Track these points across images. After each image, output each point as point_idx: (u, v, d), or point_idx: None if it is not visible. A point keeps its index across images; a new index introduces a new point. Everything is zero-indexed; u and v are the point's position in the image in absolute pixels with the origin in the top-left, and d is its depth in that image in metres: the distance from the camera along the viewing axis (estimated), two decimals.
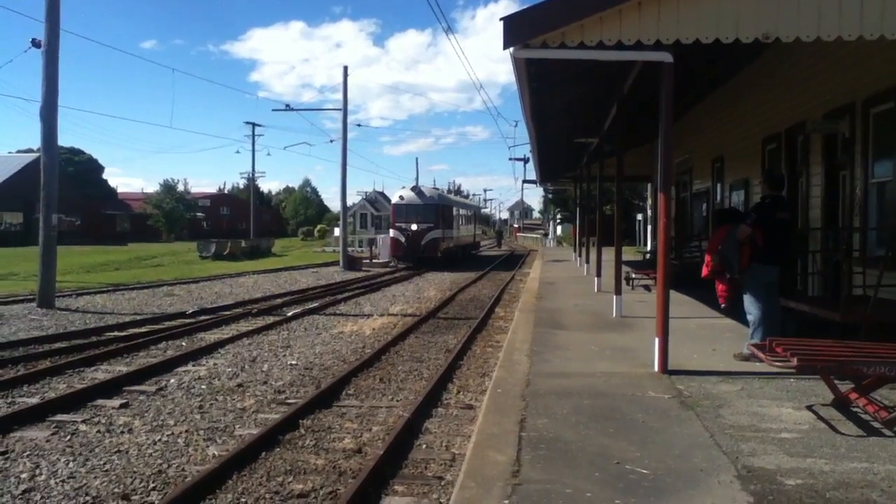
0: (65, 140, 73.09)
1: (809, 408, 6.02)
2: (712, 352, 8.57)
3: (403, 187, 36.61)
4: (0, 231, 54.92)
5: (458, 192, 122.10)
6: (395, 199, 35.93)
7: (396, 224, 34.38)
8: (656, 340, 7.46)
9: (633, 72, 10.22)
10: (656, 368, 7.42)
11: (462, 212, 43.99)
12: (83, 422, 7.36)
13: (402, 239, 33.65)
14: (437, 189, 39.09)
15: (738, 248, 7.88)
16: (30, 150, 68.91)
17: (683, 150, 20.17)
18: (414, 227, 33.49)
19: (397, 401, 8.33)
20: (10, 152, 72.96)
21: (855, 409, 5.88)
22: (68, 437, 6.87)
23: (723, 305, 8.30)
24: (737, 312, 8.64)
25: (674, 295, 8.34)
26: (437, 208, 34.56)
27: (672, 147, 7.89)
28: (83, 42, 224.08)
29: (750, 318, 7.93)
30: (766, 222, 7.88)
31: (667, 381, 7.03)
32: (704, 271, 8.17)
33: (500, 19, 7.47)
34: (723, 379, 7.07)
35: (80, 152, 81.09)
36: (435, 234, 33.77)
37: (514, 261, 40.43)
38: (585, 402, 6.24)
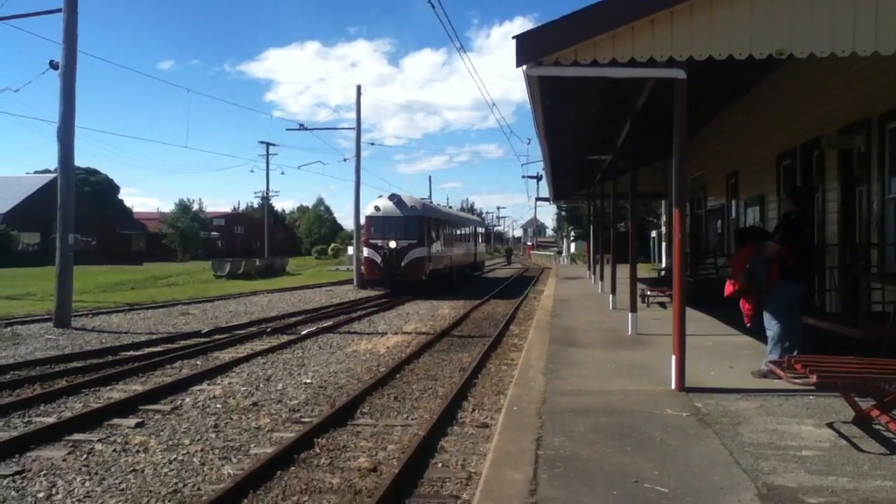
0: (81, 160, 73.61)
1: (830, 425, 5.94)
2: (730, 369, 8.49)
3: (380, 196, 30.05)
4: (17, 251, 55.33)
5: (471, 209, 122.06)
6: (368, 211, 29.25)
7: (371, 241, 28.36)
8: (673, 358, 7.40)
9: (646, 88, 10.22)
10: (673, 386, 7.36)
11: (458, 226, 37.36)
12: (99, 441, 7.37)
13: (378, 259, 27.84)
14: (424, 199, 32.45)
15: (766, 266, 7.81)
16: (47, 171, 69.64)
17: (697, 166, 20.13)
18: (392, 243, 27.62)
19: (412, 419, 8.29)
20: (27, 173, 73.94)
21: (877, 427, 5.79)
22: (84, 456, 6.88)
23: (748, 325, 8.20)
24: (756, 330, 8.57)
25: (690, 312, 8.28)
26: (421, 221, 28.29)
27: (686, 163, 7.87)
28: (100, 63, 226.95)
29: (769, 334, 7.85)
30: (794, 239, 7.83)
31: (684, 398, 6.97)
32: (728, 290, 8.08)
33: (513, 37, 7.51)
34: (741, 396, 6.99)
35: (96, 172, 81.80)
36: (418, 253, 27.67)
37: (523, 284, 35.26)
38: (602, 420, 6.18)
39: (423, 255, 27.83)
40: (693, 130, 18.40)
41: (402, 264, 27.40)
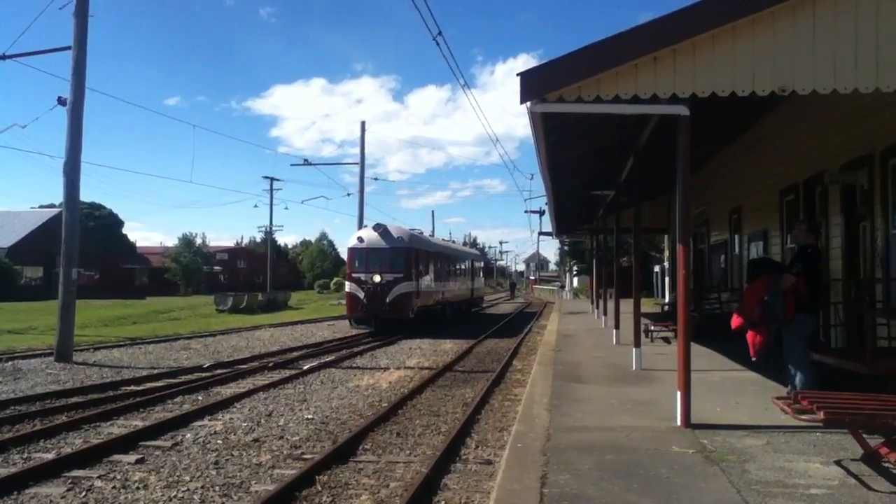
0: (86, 195, 73.87)
1: (838, 463, 5.86)
2: (735, 405, 8.41)
3: (365, 226, 28.15)
4: (20, 285, 55.39)
5: (473, 244, 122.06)
6: (351, 242, 26.74)
7: (353, 274, 25.85)
8: (678, 394, 7.34)
9: (649, 124, 10.29)
10: (679, 422, 7.28)
11: (452, 259, 34.60)
12: (99, 478, 7.29)
13: (361, 294, 25.16)
14: (414, 230, 29.70)
15: (782, 299, 7.76)
16: (52, 206, 70.13)
17: (701, 201, 20.18)
18: (376, 277, 25.04)
19: (415, 456, 8.20)
20: (32, 207, 74.28)
21: (886, 465, 5.71)
22: (83, 493, 6.80)
23: (754, 359, 8.12)
24: (761, 364, 8.51)
25: (694, 347, 8.23)
26: (408, 253, 25.82)
27: (690, 199, 7.88)
28: (107, 99, 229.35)
29: (793, 367, 7.78)
30: (811, 272, 7.82)
31: (690, 435, 6.89)
32: (736, 322, 8.01)
33: (518, 75, 7.58)
34: (748, 433, 6.91)
35: (100, 207, 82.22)
36: (405, 288, 25.10)
37: (525, 319, 34.73)
38: (608, 458, 6.11)
39: (411, 291, 25.36)
40: (696, 166, 18.48)
41: (387, 300, 24.80)
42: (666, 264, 31.73)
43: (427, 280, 27.73)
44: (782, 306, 7.76)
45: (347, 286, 26.08)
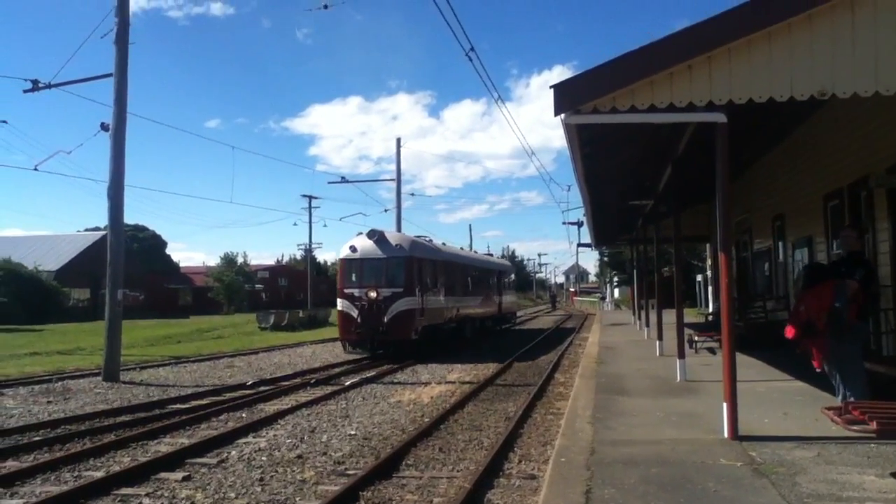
0: (130, 217, 75.79)
1: (894, 475, 5.70)
2: (784, 416, 8.24)
3: (360, 234, 23.69)
4: (68, 307, 56.65)
5: (511, 257, 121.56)
6: (343, 252, 22.78)
7: (345, 290, 21.92)
8: (724, 405, 7.21)
9: (686, 132, 10.18)
10: (726, 434, 7.15)
11: (470, 270, 30.14)
12: (147, 495, 7.40)
13: (354, 312, 21.33)
14: (421, 237, 25.75)
15: (847, 306, 7.53)
16: (97, 228, 71.71)
17: (742, 209, 19.89)
18: (372, 293, 21.33)
19: (457, 471, 8.18)
20: (78, 231, 76.07)
21: None
22: None
23: (819, 369, 7.83)
24: (811, 374, 8.31)
25: (739, 357, 8.08)
26: (409, 264, 21.93)
27: (730, 207, 7.77)
28: (149, 123, 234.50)
29: (845, 377, 7.54)
30: (869, 278, 7.62)
31: (738, 447, 6.76)
32: (790, 332, 7.75)
33: (551, 87, 7.57)
34: (797, 445, 6.76)
35: (144, 229, 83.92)
36: (405, 304, 21.32)
37: (564, 334, 32.14)
38: (653, 471, 6.02)
39: (413, 308, 21.48)
40: (736, 173, 18.22)
41: (385, 319, 21.03)
42: (708, 273, 31.29)
43: (435, 294, 23.90)
44: (847, 314, 7.52)
45: (339, 304, 22.06)
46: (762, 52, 7.06)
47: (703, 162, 11.58)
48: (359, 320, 21.26)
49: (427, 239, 26.12)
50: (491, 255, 53.42)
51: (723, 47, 7.12)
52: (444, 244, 29.07)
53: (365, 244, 22.35)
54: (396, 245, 22.26)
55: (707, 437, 7.27)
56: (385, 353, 21.46)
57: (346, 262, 22.53)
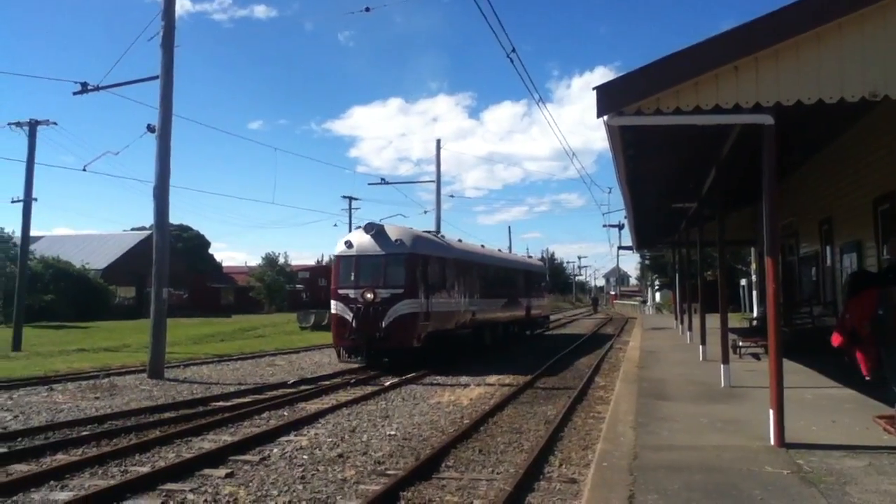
0: (174, 217, 76.94)
1: None
2: (832, 423, 8.07)
3: (359, 227, 21.26)
4: (114, 305, 57.82)
5: (551, 259, 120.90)
6: (337, 248, 20.39)
7: (340, 290, 19.59)
8: (771, 412, 7.09)
9: (731, 134, 10.03)
10: (772, 442, 7.03)
11: (489, 270, 26.81)
12: (191, 491, 7.53)
13: (349, 316, 18.96)
14: (429, 232, 23.50)
15: (892, 314, 7.35)
16: (142, 228, 73.07)
17: (788, 212, 19.52)
18: (369, 294, 18.87)
19: (497, 473, 8.16)
20: (124, 230, 77.64)
21: None
22: None
23: (867, 377, 7.67)
24: (860, 382, 8.12)
25: (785, 364, 7.93)
26: (410, 262, 19.44)
27: (777, 210, 7.64)
28: (193, 125, 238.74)
29: None
30: None
31: (784, 455, 6.64)
32: (836, 339, 7.62)
33: (594, 88, 7.54)
34: (847, 453, 6.62)
35: (188, 229, 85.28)
36: (406, 307, 18.85)
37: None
38: (697, 478, 5.95)
39: (415, 311, 19.00)
40: (782, 175, 17.90)
41: (383, 324, 18.60)
42: (753, 278, 30.78)
43: (444, 296, 21.06)
44: (893, 321, 7.35)
45: (332, 306, 19.74)
46: (811, 53, 6.94)
47: (749, 164, 11.42)
48: (353, 325, 18.79)
49: (440, 235, 23.68)
50: (530, 256, 51.96)
51: (770, 48, 7.02)
52: (459, 241, 25.80)
53: (362, 239, 19.89)
54: (397, 240, 19.60)
55: (752, 444, 7.16)
56: (382, 363, 19.27)
57: (341, 260, 20.11)
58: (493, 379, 17.04)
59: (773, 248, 7.49)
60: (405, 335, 18.79)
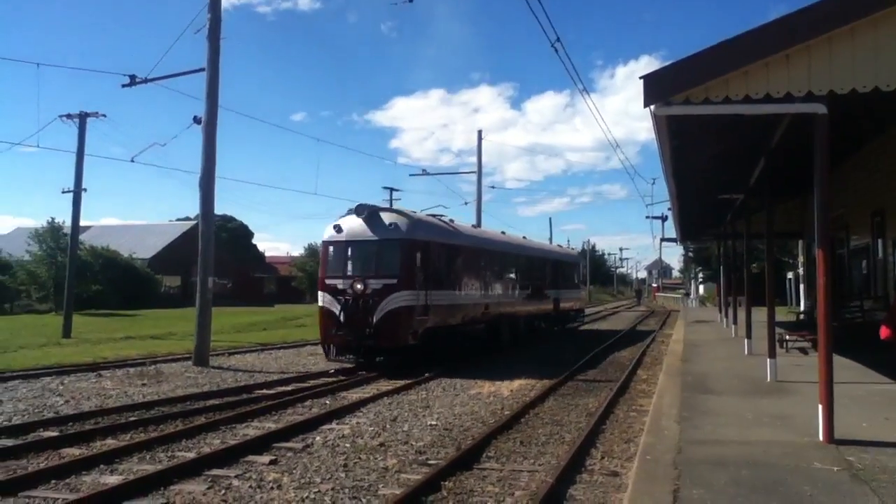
0: (219, 208, 77.02)
1: None
2: (885, 420, 7.88)
3: (350, 210, 18.35)
4: (160, 293, 58.93)
5: (592, 251, 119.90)
6: (326, 233, 18.12)
7: (328, 280, 17.52)
8: (820, 407, 6.94)
9: (782, 124, 9.81)
10: (821, 438, 6.89)
11: (507, 259, 24.11)
12: (236, 477, 7.64)
13: (336, 309, 16.96)
14: (435, 215, 20.38)
15: None
16: (187, 218, 74.36)
17: (838, 203, 19.04)
18: (359, 285, 16.74)
19: (539, 465, 8.14)
20: (170, 220, 79.09)
21: None
22: (223, 491, 7.15)
23: None
24: None
25: (835, 359, 7.75)
26: (408, 248, 17.08)
27: (829, 202, 7.47)
28: (237, 117, 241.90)
29: None
30: None
31: (834, 451, 6.50)
32: (885, 333, 7.50)
33: (641, 78, 7.43)
34: None
35: (232, 219, 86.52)
36: (402, 300, 16.53)
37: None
38: (744, 473, 5.85)
39: (410, 304, 16.64)
40: (833, 165, 17.47)
41: (374, 319, 16.46)
42: (800, 270, 30.17)
43: (448, 287, 18.67)
44: None
45: (320, 298, 17.70)
46: (867, 40, 6.76)
47: (798, 155, 11.16)
48: (341, 319, 16.82)
49: (449, 220, 20.78)
50: (573, 249, 50.63)
51: (822, 36, 6.84)
52: (474, 226, 23.39)
53: (353, 224, 17.69)
54: (391, 224, 17.28)
55: (801, 440, 7.02)
56: (375, 362, 17.22)
57: (329, 246, 17.97)
58: (535, 369, 16.94)
59: (824, 240, 7.32)
60: (399, 331, 16.56)
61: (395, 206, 35.29)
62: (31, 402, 12.30)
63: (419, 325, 16.92)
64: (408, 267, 16.92)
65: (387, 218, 17.56)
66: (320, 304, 17.55)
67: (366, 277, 16.88)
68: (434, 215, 20.24)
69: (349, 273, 17.44)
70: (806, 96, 6.96)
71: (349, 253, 17.77)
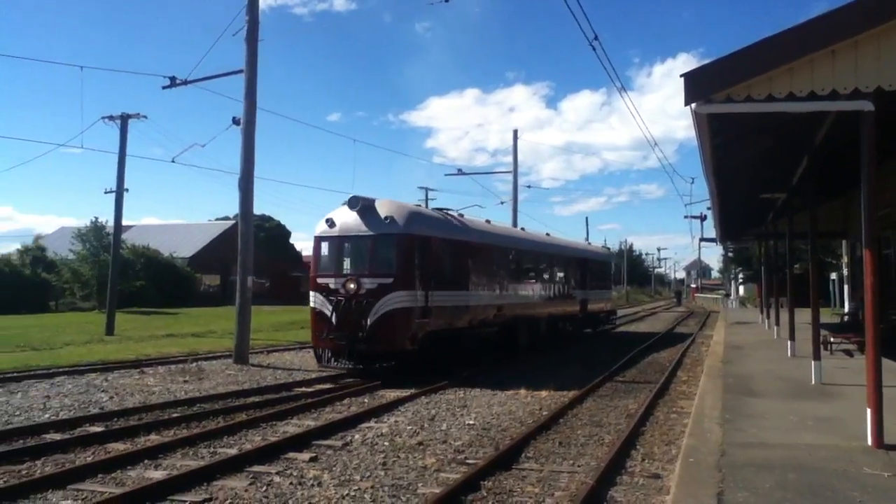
0: (257, 208, 77.17)
1: None
2: None
3: (343, 204, 16.56)
4: (200, 292, 59.77)
5: (629, 251, 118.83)
6: (318, 228, 16.74)
7: (319, 279, 16.18)
8: (868, 410, 6.80)
9: (826, 122, 9.63)
10: (870, 442, 6.74)
11: (523, 256, 22.11)
12: (277, 473, 7.73)
13: (328, 310, 15.58)
14: (442, 209, 19.30)
15: None
16: (226, 218, 75.31)
17: (884, 202, 18.62)
18: (351, 285, 15.39)
19: (578, 466, 8.09)
20: (210, 220, 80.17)
21: None
22: (264, 487, 7.23)
23: None
24: None
25: (883, 361, 7.59)
26: (405, 244, 15.54)
27: (875, 201, 7.33)
28: (275, 118, 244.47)
29: None
30: None
31: (884, 456, 6.36)
32: None
33: (681, 76, 7.36)
34: None
35: (269, 219, 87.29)
36: (399, 300, 15.06)
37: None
38: (790, 477, 5.75)
39: (408, 305, 15.16)
40: (879, 163, 17.09)
41: (368, 321, 15.02)
42: (844, 271, 29.57)
43: (453, 286, 16.95)
44: None
45: (311, 298, 16.26)
46: None
47: (843, 153, 10.94)
48: (333, 321, 15.45)
49: (458, 213, 19.36)
50: (607, 248, 49.36)
51: (870, 31, 6.70)
52: (488, 221, 21.53)
53: (346, 217, 16.14)
54: (387, 218, 15.68)
55: (848, 444, 6.89)
56: (371, 370, 15.19)
57: (321, 242, 16.55)
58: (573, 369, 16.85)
59: (871, 240, 7.18)
60: (395, 335, 15.10)
61: (431, 205, 33.86)
62: (76, 397, 12.58)
63: (418, 329, 15.43)
64: (405, 265, 15.49)
65: (383, 211, 15.90)
66: (311, 304, 16.18)
67: (359, 276, 15.54)
68: (440, 209, 19.25)
69: (342, 271, 16.13)
70: (852, 93, 6.83)
71: (342, 249, 16.43)
